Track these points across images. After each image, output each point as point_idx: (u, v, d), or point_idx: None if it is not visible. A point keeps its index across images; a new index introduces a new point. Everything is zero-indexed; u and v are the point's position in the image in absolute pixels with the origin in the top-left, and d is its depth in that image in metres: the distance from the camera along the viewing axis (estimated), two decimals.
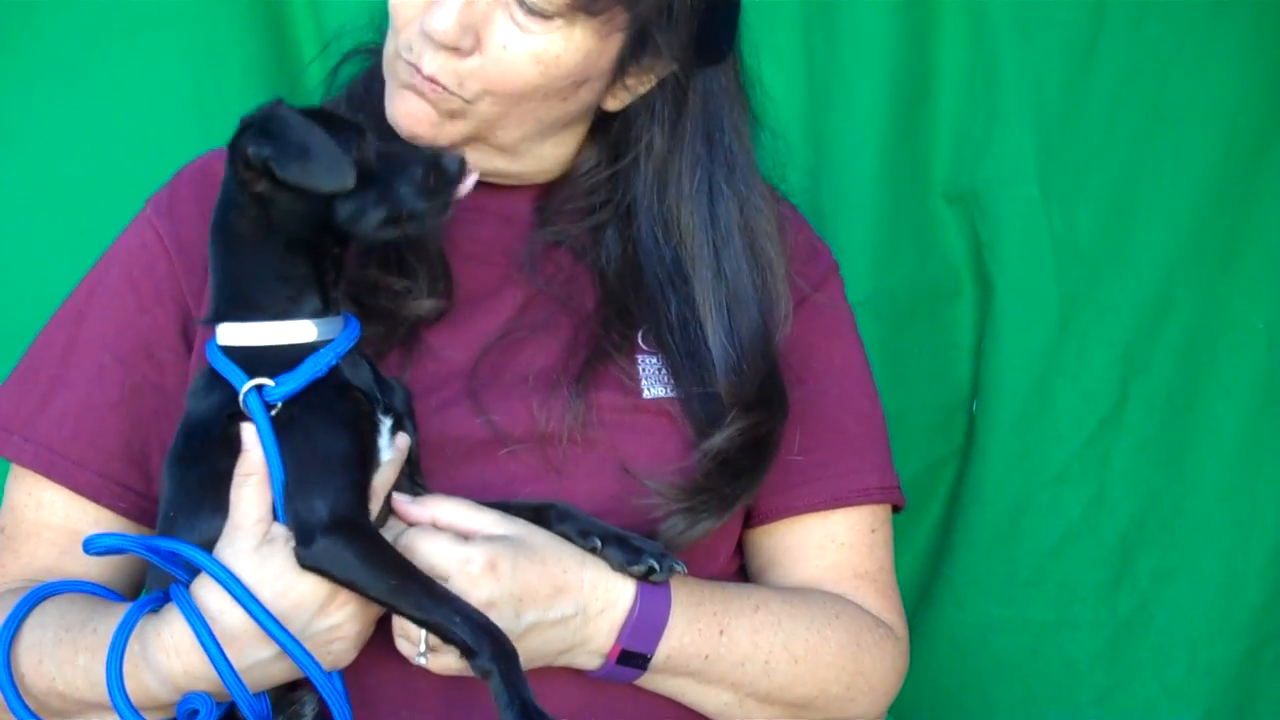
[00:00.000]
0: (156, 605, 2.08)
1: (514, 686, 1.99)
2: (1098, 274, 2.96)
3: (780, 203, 2.43)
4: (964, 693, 2.98)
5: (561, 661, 2.17)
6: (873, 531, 2.43)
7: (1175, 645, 2.95)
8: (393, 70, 2.23)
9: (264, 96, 2.10)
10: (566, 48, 2.16)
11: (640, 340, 2.33)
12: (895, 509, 2.48)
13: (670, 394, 2.30)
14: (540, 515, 2.17)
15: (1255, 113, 2.94)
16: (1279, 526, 2.95)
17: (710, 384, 2.28)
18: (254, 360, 2.06)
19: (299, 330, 2.07)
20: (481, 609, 2.03)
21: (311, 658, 2.01)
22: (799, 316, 2.36)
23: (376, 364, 2.16)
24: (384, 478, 2.09)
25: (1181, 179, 2.95)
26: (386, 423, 2.10)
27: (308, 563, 2.01)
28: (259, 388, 2.04)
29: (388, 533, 2.09)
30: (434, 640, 2.05)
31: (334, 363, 2.07)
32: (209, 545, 2.04)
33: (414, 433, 2.15)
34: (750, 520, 2.40)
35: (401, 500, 2.13)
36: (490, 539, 2.11)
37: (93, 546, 2.08)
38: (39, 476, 2.29)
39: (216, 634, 2.00)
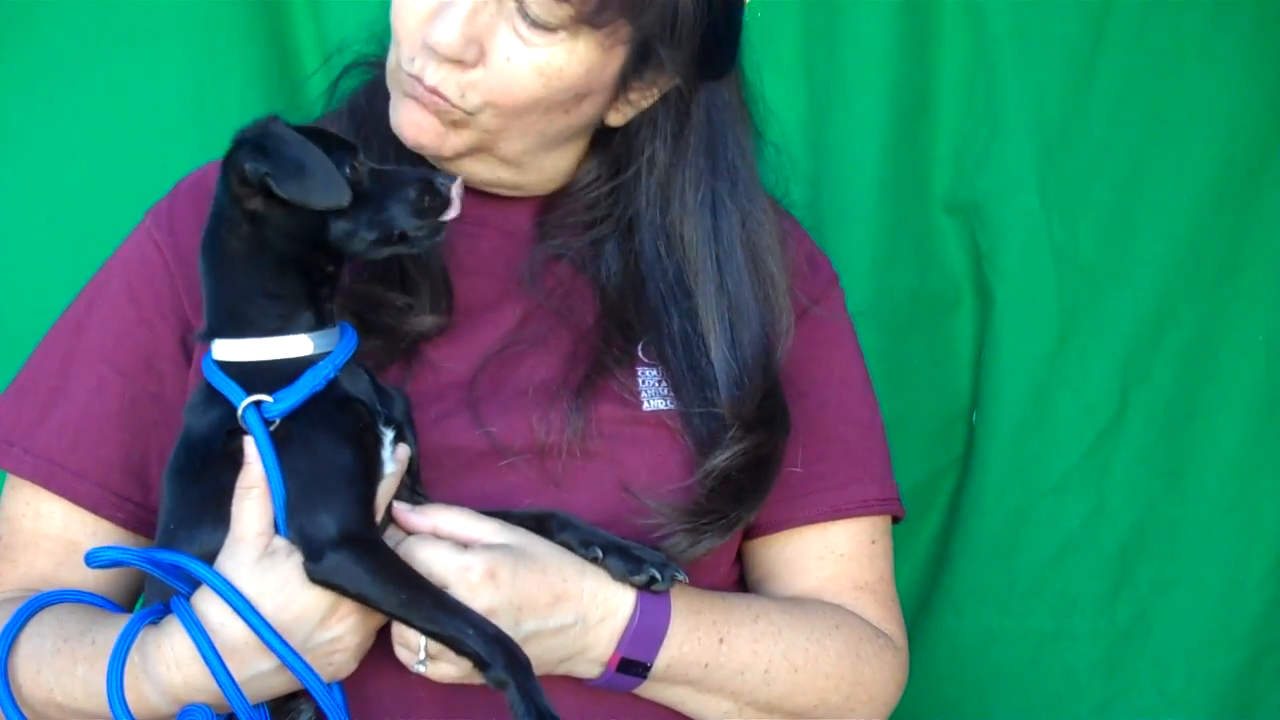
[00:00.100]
0: (157, 617, 2.09)
1: (530, 697, 1.99)
2: (1098, 284, 2.96)
3: (782, 215, 2.43)
4: (963, 703, 2.98)
5: (561, 670, 2.17)
6: (872, 542, 2.43)
7: (1175, 655, 2.95)
8: (396, 81, 2.23)
9: (265, 106, 2.12)
10: (570, 60, 2.16)
11: (640, 352, 2.33)
12: (895, 519, 2.48)
13: (670, 406, 2.30)
14: (541, 524, 2.17)
15: (1255, 124, 2.95)
16: (1278, 537, 2.95)
17: (712, 398, 2.28)
18: (251, 375, 2.05)
19: (295, 345, 2.06)
20: None
21: (312, 670, 2.02)
22: (799, 329, 2.36)
23: (376, 376, 2.17)
24: (386, 489, 2.09)
25: (1181, 190, 2.95)
26: (389, 434, 2.10)
27: (318, 578, 2.01)
28: (257, 403, 2.04)
29: (387, 541, 2.09)
30: (433, 648, 2.05)
31: (332, 375, 2.07)
32: (210, 558, 2.05)
33: (414, 442, 2.15)
34: (750, 532, 2.40)
35: (402, 509, 2.13)
36: (490, 547, 2.11)
37: (95, 560, 2.09)
38: (37, 487, 2.29)
39: (217, 646, 2.01)
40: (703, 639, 2.22)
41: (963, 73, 2.98)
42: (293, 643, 2.01)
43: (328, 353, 2.07)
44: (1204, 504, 2.96)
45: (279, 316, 2.06)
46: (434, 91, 2.16)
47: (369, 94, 2.36)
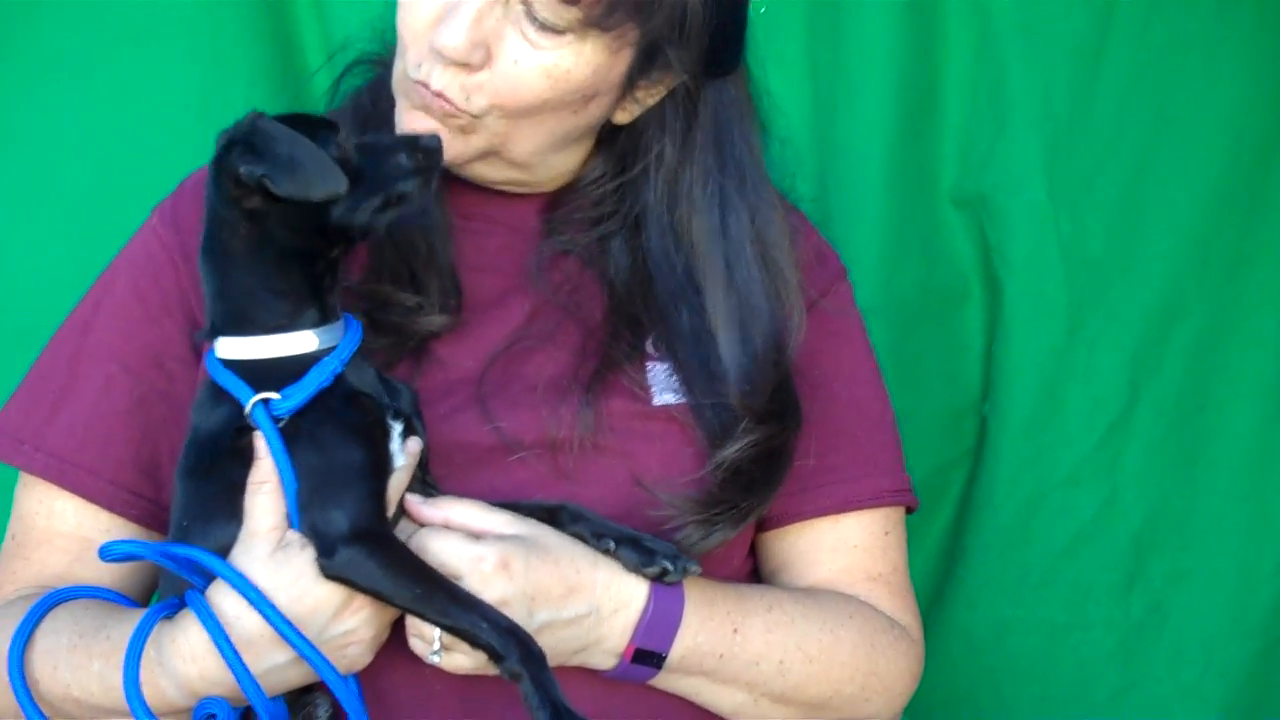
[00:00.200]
0: (172, 611, 2.09)
1: (544, 688, 1.99)
2: (1107, 277, 2.97)
3: (790, 210, 2.43)
4: (978, 693, 2.98)
5: (576, 661, 2.17)
6: (886, 534, 2.43)
7: (1189, 646, 2.95)
8: (403, 91, 2.23)
9: (269, 104, 2.10)
10: (577, 62, 2.16)
11: (649, 346, 2.33)
12: (908, 510, 2.48)
13: (680, 400, 2.30)
14: (552, 517, 2.18)
15: (1263, 116, 2.95)
16: None
17: (723, 394, 2.28)
18: (257, 373, 2.06)
19: (300, 341, 2.06)
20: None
21: (327, 662, 2.02)
22: (809, 322, 2.36)
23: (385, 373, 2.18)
24: (397, 482, 2.09)
25: (1190, 183, 2.96)
26: (397, 428, 2.10)
27: (331, 574, 2.02)
28: (265, 401, 2.05)
29: (400, 533, 2.09)
30: (448, 639, 2.05)
31: (339, 370, 2.07)
32: (224, 553, 2.05)
33: (423, 434, 2.16)
34: (763, 524, 2.40)
35: (414, 501, 2.13)
36: (503, 538, 2.11)
37: (109, 553, 2.10)
38: (49, 485, 2.30)
39: (233, 639, 2.01)
40: (717, 629, 2.22)
41: (969, 67, 2.98)
42: (307, 635, 2.01)
43: (333, 348, 2.08)
44: (1216, 495, 2.96)
45: (284, 314, 2.06)
46: (439, 95, 2.16)
47: (372, 92, 2.37)
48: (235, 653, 2.01)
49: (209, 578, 2.07)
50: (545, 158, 2.30)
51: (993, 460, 2.99)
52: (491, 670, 2.05)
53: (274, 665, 2.04)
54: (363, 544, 2.02)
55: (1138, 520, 2.97)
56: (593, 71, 2.18)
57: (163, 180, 2.42)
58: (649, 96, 2.29)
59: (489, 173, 2.29)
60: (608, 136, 2.36)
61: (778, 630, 2.27)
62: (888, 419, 2.49)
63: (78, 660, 2.13)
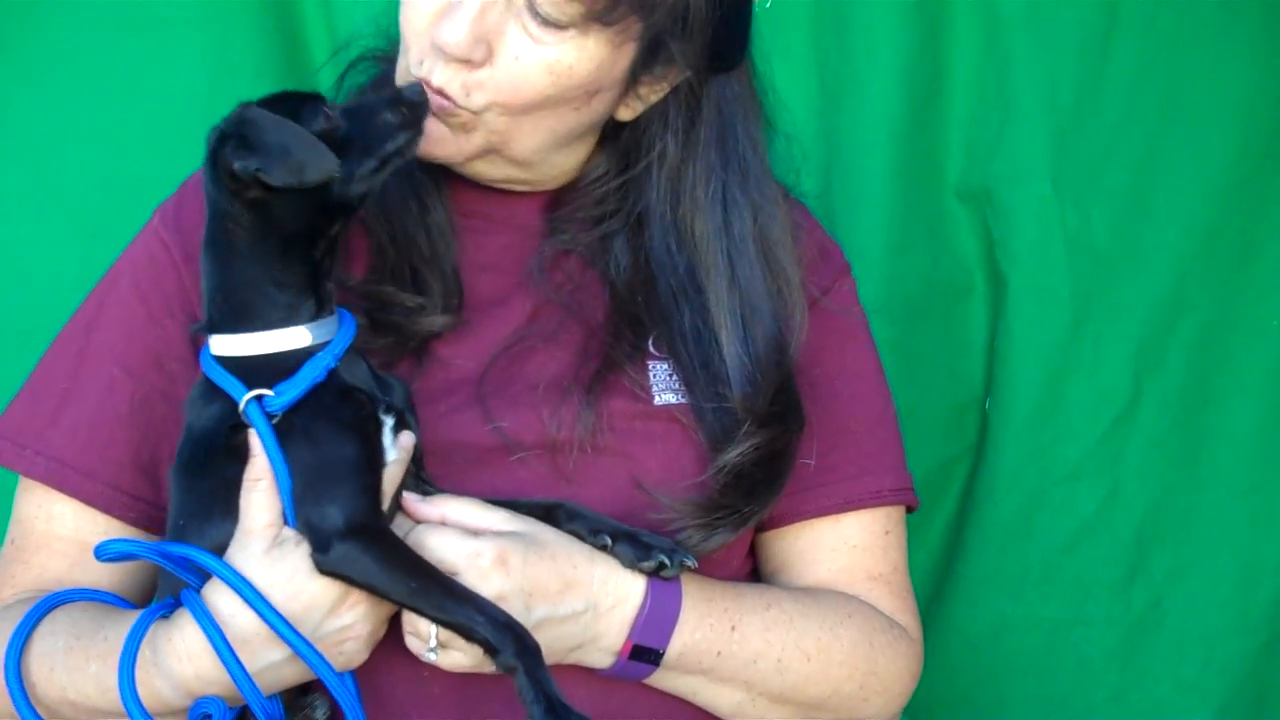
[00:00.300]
0: (167, 611, 2.09)
1: (539, 682, 2.00)
2: (1111, 271, 2.96)
3: (793, 205, 2.43)
4: (978, 690, 2.99)
5: (573, 659, 2.17)
6: (886, 533, 2.43)
7: (1190, 642, 2.95)
8: None
9: None
10: (580, 58, 2.15)
11: (651, 346, 2.33)
12: (909, 509, 2.48)
13: (682, 401, 2.30)
14: (550, 514, 2.18)
15: (1269, 109, 2.94)
16: None
17: (725, 395, 2.28)
18: (250, 369, 2.06)
19: (293, 337, 2.07)
20: None
21: (323, 659, 2.03)
22: (810, 319, 2.35)
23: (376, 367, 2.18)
24: (391, 476, 2.09)
25: (1195, 176, 2.95)
26: (389, 422, 2.10)
27: (326, 569, 2.02)
28: (259, 398, 2.05)
29: (397, 530, 2.10)
30: (444, 636, 2.05)
31: (332, 366, 2.07)
32: (220, 551, 2.05)
33: (417, 429, 2.16)
34: (763, 525, 2.39)
35: (411, 499, 2.14)
36: (500, 534, 2.11)
37: (105, 553, 2.10)
38: (49, 489, 2.29)
39: (228, 637, 2.01)
40: (715, 626, 2.22)
41: (974, 59, 2.97)
42: (303, 632, 2.02)
43: (326, 343, 2.08)
44: (1219, 490, 2.96)
45: (286, 306, 2.07)
46: (440, 92, 2.15)
47: (376, 88, 2.36)
48: (231, 651, 2.01)
49: (205, 576, 2.07)
50: (546, 156, 2.29)
51: (995, 455, 2.98)
52: (488, 668, 2.05)
53: (270, 663, 2.04)
54: (357, 538, 2.02)
55: (1139, 515, 2.96)
56: (595, 67, 2.17)
57: (167, 178, 2.42)
58: (652, 93, 2.28)
59: (489, 171, 2.29)
60: (611, 134, 2.35)
61: (776, 628, 2.27)
62: (889, 417, 2.48)
63: (74, 662, 2.14)
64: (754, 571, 2.45)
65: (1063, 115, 2.96)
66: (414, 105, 2.12)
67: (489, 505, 2.16)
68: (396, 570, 2.02)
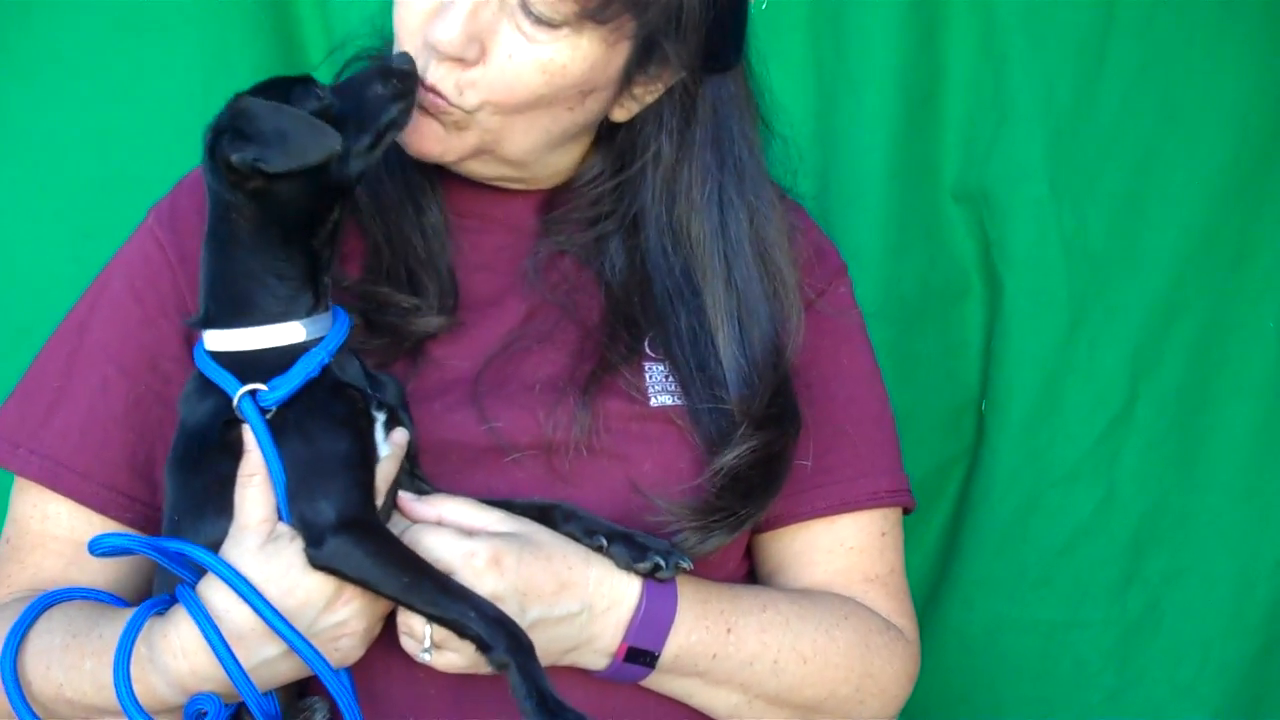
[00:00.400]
0: (163, 607, 2.09)
1: (531, 678, 2.00)
2: (1108, 273, 2.96)
3: (789, 206, 2.42)
4: (973, 693, 2.98)
5: (568, 660, 2.17)
6: (882, 535, 2.42)
7: (1187, 645, 2.95)
8: None
9: None
10: (573, 57, 2.15)
11: (647, 347, 2.32)
12: (905, 511, 2.48)
13: (678, 402, 2.29)
14: (545, 515, 2.18)
15: (1266, 111, 2.94)
16: None
17: (721, 397, 2.27)
18: (244, 364, 2.06)
19: (288, 332, 2.07)
20: None
21: (319, 654, 2.02)
22: (806, 321, 2.35)
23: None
24: (384, 472, 2.09)
25: (1192, 178, 2.95)
26: (380, 417, 2.10)
27: (320, 563, 2.02)
28: (253, 393, 2.05)
29: (393, 529, 2.09)
30: (439, 637, 2.05)
31: (326, 362, 2.07)
32: (215, 547, 2.05)
33: (410, 426, 2.16)
34: (759, 526, 2.38)
35: (407, 498, 2.13)
36: (495, 534, 2.11)
37: (99, 547, 2.09)
38: (44, 488, 2.29)
39: (224, 633, 2.01)
40: (710, 628, 2.22)
41: (971, 61, 2.97)
42: (299, 627, 2.01)
43: (320, 339, 2.08)
44: (1215, 492, 2.96)
45: (284, 299, 2.07)
46: (432, 90, 2.15)
47: None
48: (226, 647, 2.01)
49: (200, 572, 2.07)
50: (540, 156, 2.29)
51: (991, 458, 2.98)
52: (483, 668, 2.05)
53: (265, 659, 2.04)
54: (350, 533, 2.02)
55: (1136, 518, 2.96)
56: (589, 66, 2.17)
57: (162, 178, 2.42)
58: (647, 94, 2.28)
59: (483, 169, 2.29)
60: (606, 135, 2.35)
61: (772, 630, 2.26)
62: (886, 418, 2.47)
63: (70, 660, 2.13)
64: (751, 573, 2.44)
65: (1059, 117, 2.96)
66: (403, 75, 2.12)
67: (484, 505, 2.16)
68: (389, 565, 2.02)
